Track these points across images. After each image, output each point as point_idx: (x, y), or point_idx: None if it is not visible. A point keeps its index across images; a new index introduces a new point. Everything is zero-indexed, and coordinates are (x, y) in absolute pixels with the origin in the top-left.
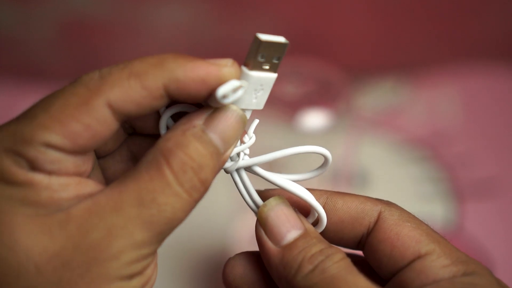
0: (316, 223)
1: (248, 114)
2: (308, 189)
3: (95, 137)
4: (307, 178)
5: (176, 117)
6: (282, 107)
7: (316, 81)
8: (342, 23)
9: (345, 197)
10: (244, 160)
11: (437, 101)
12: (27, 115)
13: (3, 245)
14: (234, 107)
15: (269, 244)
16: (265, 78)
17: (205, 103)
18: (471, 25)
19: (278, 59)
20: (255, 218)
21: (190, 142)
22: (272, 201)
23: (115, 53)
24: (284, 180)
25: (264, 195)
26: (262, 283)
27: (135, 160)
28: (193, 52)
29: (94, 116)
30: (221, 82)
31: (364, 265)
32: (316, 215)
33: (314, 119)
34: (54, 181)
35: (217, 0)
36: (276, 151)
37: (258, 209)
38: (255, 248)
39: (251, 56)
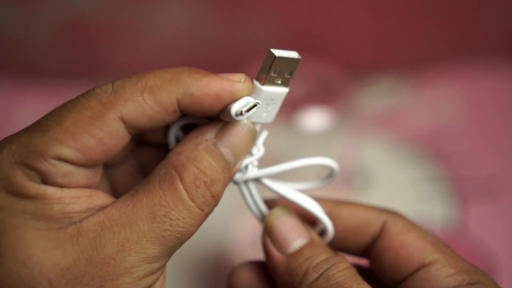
0: (323, 231)
1: (257, 127)
2: (315, 198)
3: (107, 151)
4: (314, 187)
5: (185, 128)
6: (282, 106)
7: (316, 81)
8: (342, 22)
9: (350, 206)
10: (253, 172)
11: (439, 101)
12: (40, 127)
13: (15, 260)
14: (245, 121)
15: (275, 252)
16: (277, 92)
17: (216, 116)
18: (472, 24)
19: (290, 74)
20: (255, 218)
21: (202, 156)
22: (278, 210)
23: (115, 53)
24: (291, 192)
25: (271, 204)
26: None
27: (141, 169)
28: (193, 52)
29: (106, 130)
30: (235, 98)
31: (369, 274)
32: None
33: (314, 118)
34: (66, 194)
35: (217, 0)
36: (283, 163)
37: (264, 218)
38: (256, 248)
39: (264, 71)
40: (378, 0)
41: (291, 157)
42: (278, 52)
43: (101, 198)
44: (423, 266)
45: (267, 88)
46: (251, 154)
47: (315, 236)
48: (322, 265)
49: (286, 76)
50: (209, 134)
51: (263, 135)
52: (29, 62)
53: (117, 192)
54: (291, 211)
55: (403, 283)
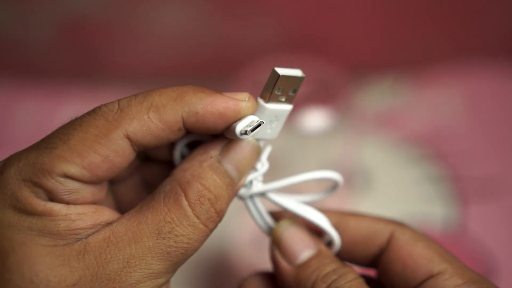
0: (330, 242)
1: (261, 143)
2: (321, 210)
3: (112, 168)
4: (319, 199)
5: (190, 145)
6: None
7: (316, 80)
8: (342, 22)
9: (357, 218)
10: (258, 187)
11: (439, 101)
12: (47, 145)
13: (23, 277)
14: (249, 138)
15: (283, 263)
16: (281, 110)
17: (220, 134)
18: (473, 23)
19: (294, 91)
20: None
21: (207, 173)
22: (286, 222)
23: (115, 53)
24: (297, 205)
25: (277, 216)
26: None
27: (147, 186)
28: (193, 52)
29: (112, 148)
30: (239, 116)
31: (376, 285)
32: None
33: (314, 118)
34: (72, 211)
35: (217, 0)
36: (288, 178)
37: (273, 229)
38: (255, 248)
39: (268, 89)
40: (378, 0)
41: (291, 157)
42: (282, 71)
43: (107, 214)
44: (431, 276)
45: (271, 106)
46: (255, 169)
47: (323, 247)
48: (330, 276)
49: (290, 93)
50: (214, 151)
51: (267, 150)
52: (29, 62)
53: (122, 208)
54: (299, 222)
55: None
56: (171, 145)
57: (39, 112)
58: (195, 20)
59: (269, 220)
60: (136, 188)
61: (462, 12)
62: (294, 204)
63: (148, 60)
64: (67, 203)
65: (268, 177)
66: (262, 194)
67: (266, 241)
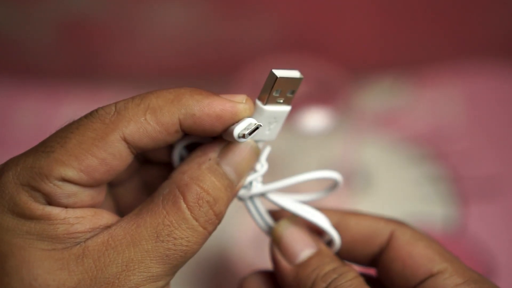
0: (330, 241)
1: (260, 144)
2: (321, 209)
3: (110, 171)
4: (318, 198)
5: (189, 147)
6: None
7: (316, 80)
8: (342, 22)
9: (358, 217)
10: (257, 188)
11: (439, 100)
12: (45, 149)
13: (21, 281)
14: (247, 140)
15: (283, 262)
16: (279, 111)
17: (219, 135)
18: (474, 23)
19: (292, 92)
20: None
21: (205, 175)
22: (285, 221)
23: (115, 53)
24: (296, 205)
25: (277, 215)
26: None
27: (147, 188)
28: (193, 52)
29: (109, 151)
30: (236, 119)
31: (376, 284)
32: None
33: (314, 118)
34: (71, 214)
35: (217, 0)
36: (288, 178)
37: (273, 229)
38: (255, 248)
39: (266, 91)
40: (379, 0)
41: (291, 157)
42: (279, 73)
43: (106, 217)
44: (431, 275)
45: (270, 108)
46: (255, 170)
47: (323, 246)
48: (330, 275)
49: (288, 95)
50: (213, 153)
51: (266, 151)
52: (29, 62)
53: (122, 210)
54: (299, 221)
55: None
56: (171, 147)
57: (39, 112)
58: (195, 20)
59: (269, 219)
60: (136, 190)
61: (462, 12)
62: (293, 204)
63: (148, 60)
64: (66, 206)
65: (268, 177)
66: (262, 195)
67: (266, 241)
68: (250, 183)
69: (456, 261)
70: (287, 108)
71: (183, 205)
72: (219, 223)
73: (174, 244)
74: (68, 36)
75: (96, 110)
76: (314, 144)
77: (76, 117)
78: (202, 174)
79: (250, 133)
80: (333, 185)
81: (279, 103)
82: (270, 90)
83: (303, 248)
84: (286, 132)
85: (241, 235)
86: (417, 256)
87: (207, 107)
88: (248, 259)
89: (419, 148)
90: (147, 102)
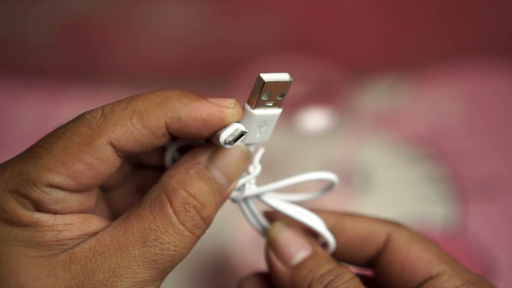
0: (326, 243)
1: (252, 147)
2: (317, 211)
3: (98, 175)
4: (314, 198)
5: (182, 149)
6: (282, 106)
7: (316, 80)
8: (343, 22)
9: (354, 218)
10: (251, 190)
11: (439, 100)
12: (32, 155)
13: None
14: (238, 143)
15: (278, 264)
16: (269, 115)
17: (209, 139)
18: (474, 23)
19: (282, 95)
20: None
21: (193, 180)
22: (280, 223)
23: (115, 53)
24: (291, 208)
25: (272, 216)
26: None
27: (141, 191)
28: (193, 53)
29: (96, 156)
30: (224, 123)
31: (373, 284)
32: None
33: (314, 118)
34: (59, 221)
35: (217, 0)
36: (283, 180)
37: (267, 231)
38: (255, 249)
39: (254, 95)
40: (379, 0)
41: (291, 157)
42: (267, 77)
43: (95, 223)
44: (430, 278)
45: (259, 112)
46: (248, 173)
47: (318, 247)
48: (326, 276)
49: (278, 98)
50: (202, 158)
51: (259, 153)
52: (29, 62)
53: (117, 215)
54: (294, 223)
55: None
56: (163, 150)
57: (39, 112)
58: (195, 20)
59: (263, 221)
60: (130, 194)
61: (462, 12)
62: (288, 206)
63: (147, 60)
64: (55, 213)
65: (268, 177)
66: (256, 197)
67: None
68: (244, 185)
69: (454, 263)
70: (277, 111)
71: (170, 210)
72: (207, 227)
73: (161, 249)
74: (68, 36)
75: (83, 114)
76: (314, 144)
77: (64, 121)
78: (189, 178)
79: (235, 140)
80: (329, 186)
81: (269, 106)
82: (258, 94)
83: (298, 250)
84: (286, 132)
85: (241, 236)
86: (415, 258)
87: (194, 111)
88: (247, 260)
89: (419, 148)
90: (134, 106)
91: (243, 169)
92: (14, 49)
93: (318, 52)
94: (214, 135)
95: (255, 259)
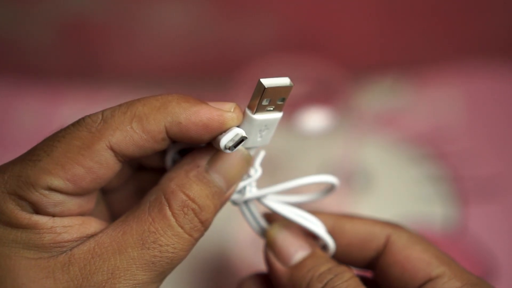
0: (325, 246)
1: (253, 151)
2: (317, 212)
3: (97, 179)
4: (314, 199)
5: (182, 152)
6: (282, 109)
7: (316, 80)
8: (343, 22)
9: (354, 220)
10: (251, 193)
11: (439, 100)
12: (32, 158)
13: None
14: (238, 147)
15: (277, 264)
16: (270, 119)
17: (209, 142)
18: (475, 23)
19: (283, 100)
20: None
21: (192, 183)
22: (279, 224)
23: (115, 53)
24: (292, 210)
25: (271, 217)
26: None
27: (141, 194)
28: (193, 53)
29: (96, 160)
30: (224, 128)
31: (373, 284)
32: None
33: (314, 118)
34: (58, 224)
35: (217, 0)
36: (283, 183)
37: (266, 231)
38: (256, 249)
39: (255, 100)
40: (379, 0)
41: (291, 157)
42: (267, 82)
43: (94, 225)
44: (430, 280)
45: (259, 117)
46: (248, 175)
47: (317, 248)
48: (326, 275)
49: (279, 102)
50: (202, 161)
51: (260, 156)
52: (29, 62)
53: (117, 217)
54: (293, 223)
55: None
56: (163, 153)
57: (39, 112)
58: (195, 20)
59: (263, 223)
60: (130, 197)
61: (462, 12)
62: (288, 209)
63: (147, 61)
64: (53, 215)
65: (269, 177)
66: (257, 199)
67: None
68: (244, 188)
69: (454, 264)
70: (278, 115)
71: (168, 213)
72: (205, 230)
73: (160, 251)
74: (68, 36)
75: (83, 118)
76: (314, 144)
77: (64, 125)
78: (189, 181)
79: (235, 145)
80: (329, 188)
81: (269, 110)
82: (259, 99)
83: (297, 250)
84: (286, 132)
85: (241, 236)
86: (415, 260)
87: (194, 116)
88: (247, 260)
89: (419, 148)
90: (134, 110)
91: (243, 173)
92: (14, 49)
93: (318, 52)
94: (215, 139)
95: (255, 259)
